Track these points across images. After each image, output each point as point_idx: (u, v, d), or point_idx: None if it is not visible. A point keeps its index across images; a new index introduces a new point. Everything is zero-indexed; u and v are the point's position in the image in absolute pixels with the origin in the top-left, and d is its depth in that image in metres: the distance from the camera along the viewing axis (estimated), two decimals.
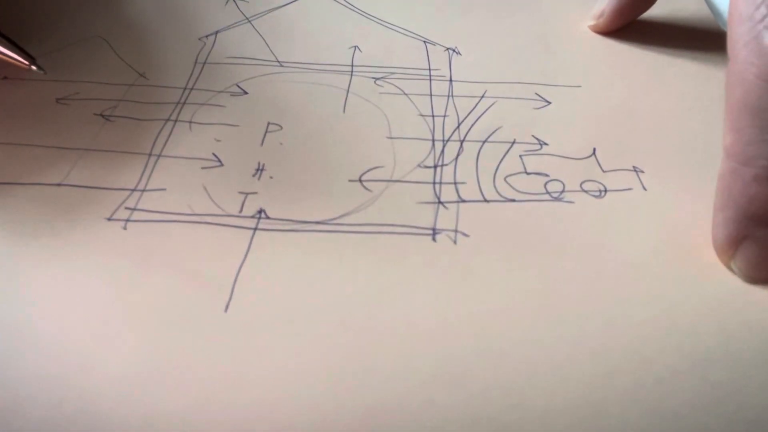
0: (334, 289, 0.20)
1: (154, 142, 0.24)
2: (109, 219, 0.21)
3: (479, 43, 0.30)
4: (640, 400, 0.17)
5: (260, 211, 0.22)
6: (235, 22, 0.31)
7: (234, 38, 0.30)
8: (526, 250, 0.21)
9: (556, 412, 0.17)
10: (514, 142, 0.25)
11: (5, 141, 0.24)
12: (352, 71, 0.28)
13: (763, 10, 0.19)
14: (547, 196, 0.23)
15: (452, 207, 0.22)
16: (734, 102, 0.19)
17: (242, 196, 0.22)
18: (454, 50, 0.29)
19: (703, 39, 0.30)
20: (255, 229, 0.21)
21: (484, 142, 0.25)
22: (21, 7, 0.31)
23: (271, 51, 0.29)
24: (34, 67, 0.25)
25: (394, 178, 0.23)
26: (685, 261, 0.21)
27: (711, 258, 0.21)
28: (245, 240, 0.21)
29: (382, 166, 0.24)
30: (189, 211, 0.22)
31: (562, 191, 0.23)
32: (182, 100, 0.26)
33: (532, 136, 0.25)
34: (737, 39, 0.19)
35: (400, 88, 0.27)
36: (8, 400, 0.17)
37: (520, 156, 0.24)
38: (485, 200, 0.23)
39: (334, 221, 0.22)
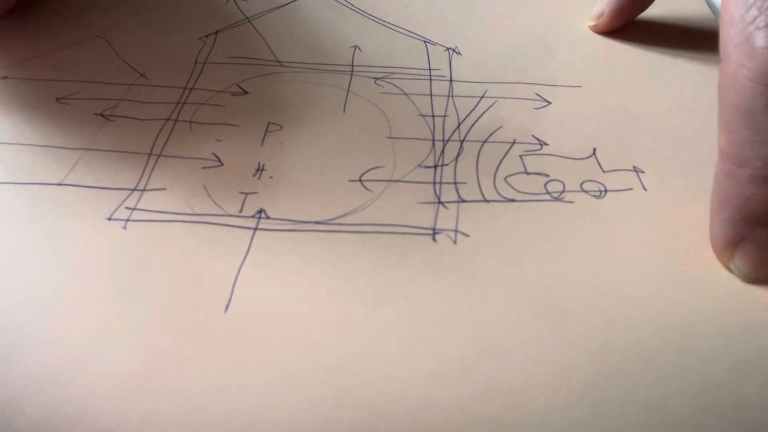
0: (334, 289, 0.20)
1: (155, 142, 0.24)
2: (109, 219, 0.21)
3: (479, 43, 0.30)
4: (640, 400, 0.17)
5: (260, 211, 0.22)
6: (236, 22, 0.31)
7: (234, 38, 0.30)
8: (526, 250, 0.21)
9: (556, 412, 0.17)
10: (514, 142, 0.25)
11: (5, 141, 0.24)
12: (352, 71, 0.28)
13: (753, 12, 0.19)
14: (547, 196, 0.23)
15: (452, 207, 0.22)
16: (727, 104, 0.19)
17: (242, 196, 0.22)
18: (454, 50, 0.29)
19: (703, 39, 0.30)
20: (255, 228, 0.21)
21: (484, 142, 0.25)
22: (22, 6, 0.31)
23: (271, 51, 0.29)
24: None
25: (394, 178, 0.23)
26: (685, 261, 0.21)
27: (711, 258, 0.21)
28: (245, 240, 0.21)
29: (382, 166, 0.24)
30: (189, 211, 0.22)
31: (563, 191, 0.23)
32: (182, 100, 0.26)
33: (533, 136, 0.25)
34: (729, 41, 0.19)
35: (400, 88, 0.27)
36: (8, 400, 0.17)
37: (521, 156, 0.24)
38: (485, 200, 0.23)
39: (335, 221, 0.22)
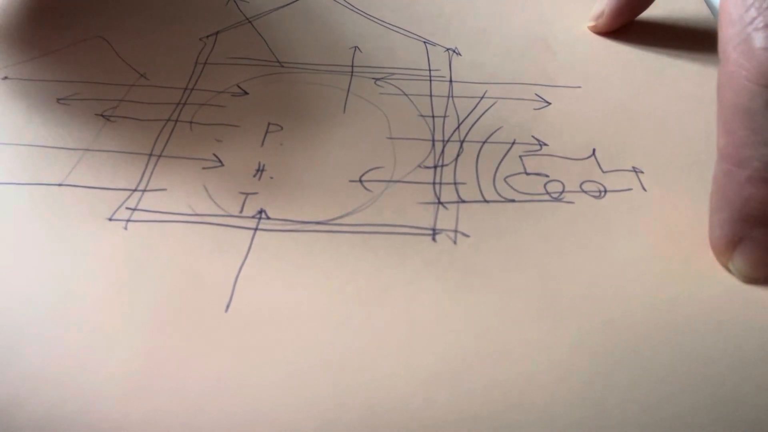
0: (334, 289, 0.20)
1: (155, 143, 0.24)
2: (110, 219, 0.21)
3: (479, 43, 0.30)
4: (640, 400, 0.17)
5: (261, 212, 0.22)
6: (236, 23, 0.31)
7: (234, 38, 0.30)
8: (525, 251, 0.21)
9: (556, 412, 0.17)
10: (514, 143, 0.25)
11: (5, 141, 0.24)
12: (352, 71, 0.28)
13: (752, 13, 0.19)
14: (546, 197, 0.23)
15: (452, 207, 0.22)
16: (726, 104, 0.19)
17: (243, 197, 0.22)
18: (454, 51, 0.29)
19: (703, 39, 0.30)
20: (255, 229, 0.21)
21: (484, 142, 0.25)
22: (22, 6, 0.31)
23: (272, 51, 0.29)
24: None
25: (394, 179, 0.23)
26: (685, 261, 0.21)
27: (710, 258, 0.21)
28: (246, 240, 0.21)
29: (382, 167, 0.24)
30: (190, 212, 0.22)
31: (562, 192, 0.23)
32: (183, 101, 0.26)
33: (532, 136, 0.25)
34: (727, 41, 0.19)
35: (400, 89, 0.27)
36: (8, 399, 0.17)
37: (520, 156, 0.24)
38: (485, 200, 0.23)
39: (335, 221, 0.22)
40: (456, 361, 0.18)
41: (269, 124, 0.25)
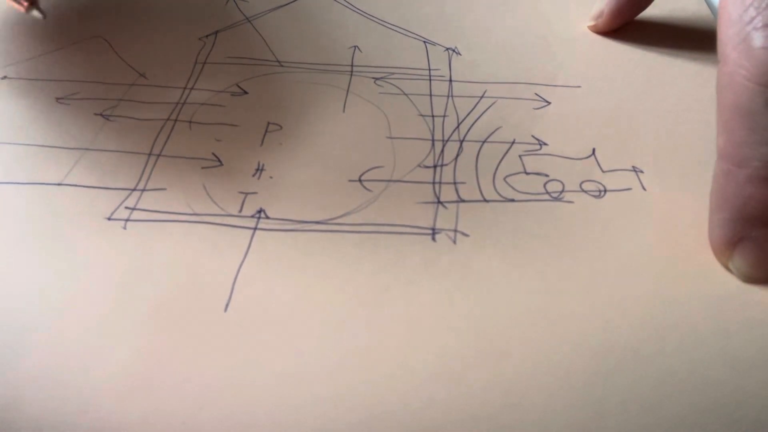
0: (334, 288, 0.20)
1: (154, 142, 0.24)
2: (109, 219, 0.21)
3: (479, 43, 0.30)
4: (640, 400, 0.17)
5: (260, 211, 0.22)
6: (236, 22, 0.31)
7: (234, 38, 0.30)
8: (525, 250, 0.21)
9: (556, 412, 0.17)
10: (513, 142, 0.25)
11: (5, 141, 0.24)
12: (352, 71, 0.28)
13: (751, 12, 0.19)
14: (546, 196, 0.23)
15: (452, 207, 0.22)
16: (725, 104, 0.19)
17: (242, 196, 0.22)
18: (454, 50, 0.29)
19: (703, 39, 0.30)
20: (255, 228, 0.21)
21: (483, 142, 0.25)
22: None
23: (271, 51, 0.29)
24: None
25: (393, 178, 0.23)
26: (685, 261, 0.21)
27: (710, 258, 0.21)
28: (245, 240, 0.21)
29: (381, 166, 0.24)
30: (189, 211, 0.22)
31: (562, 191, 0.23)
32: (182, 100, 0.26)
33: (532, 136, 0.25)
34: (727, 41, 0.19)
35: (400, 88, 0.27)
36: (8, 400, 0.17)
37: (520, 156, 0.24)
38: (485, 200, 0.23)
39: (334, 221, 0.22)
40: (456, 361, 0.18)
41: (269, 123, 0.25)
